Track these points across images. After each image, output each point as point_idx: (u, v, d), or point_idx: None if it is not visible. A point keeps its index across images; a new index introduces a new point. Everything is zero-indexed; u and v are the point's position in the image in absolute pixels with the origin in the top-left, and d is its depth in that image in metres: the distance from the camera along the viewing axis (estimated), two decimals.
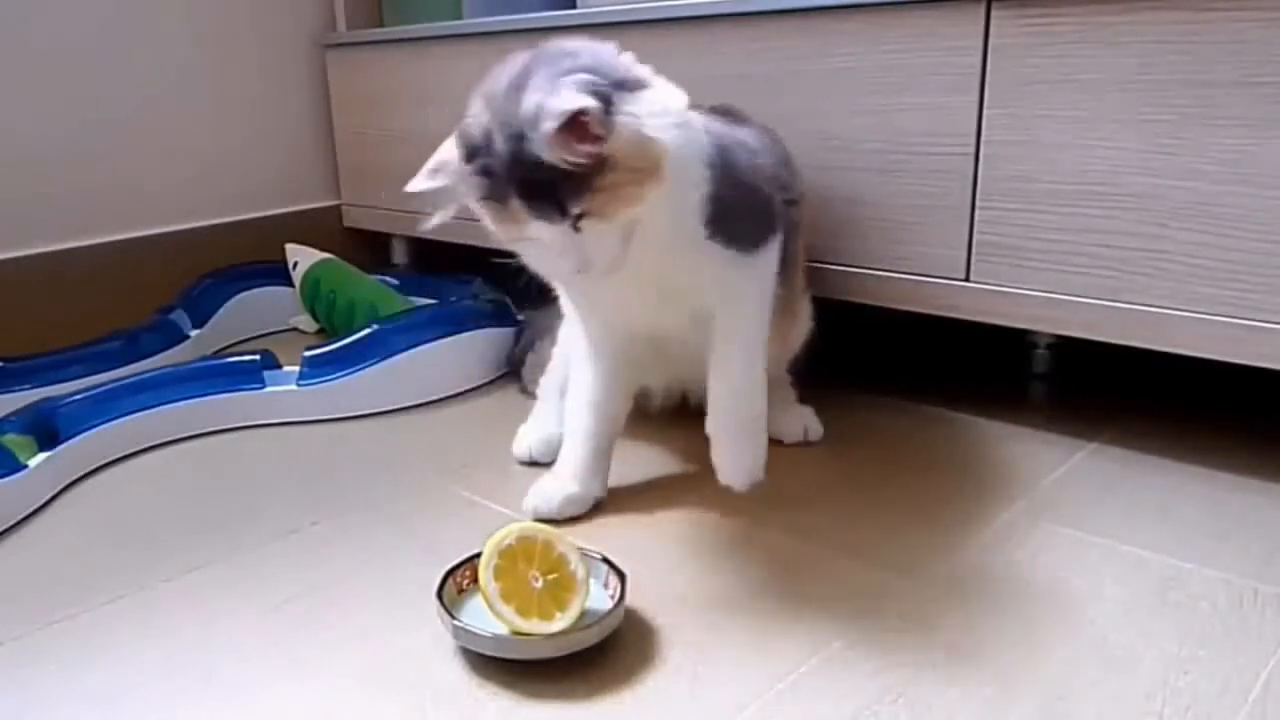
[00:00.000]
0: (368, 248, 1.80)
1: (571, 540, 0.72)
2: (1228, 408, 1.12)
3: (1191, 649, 0.69)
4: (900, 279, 1.09)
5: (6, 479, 0.93)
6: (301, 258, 1.52)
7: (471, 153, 0.75)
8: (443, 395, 1.23)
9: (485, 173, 0.74)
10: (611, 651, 0.70)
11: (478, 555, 0.71)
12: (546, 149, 0.69)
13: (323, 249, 1.55)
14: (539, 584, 0.69)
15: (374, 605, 0.77)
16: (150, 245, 1.55)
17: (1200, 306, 0.91)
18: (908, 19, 1.02)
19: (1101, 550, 0.82)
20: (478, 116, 0.75)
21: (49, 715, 0.66)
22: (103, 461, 1.06)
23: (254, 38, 1.64)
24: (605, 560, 0.76)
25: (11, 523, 0.93)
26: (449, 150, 0.78)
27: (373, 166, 1.70)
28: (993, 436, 1.06)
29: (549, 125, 0.68)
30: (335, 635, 0.74)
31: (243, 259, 1.58)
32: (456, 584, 0.75)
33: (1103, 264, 0.96)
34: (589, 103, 0.68)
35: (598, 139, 0.70)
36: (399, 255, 1.83)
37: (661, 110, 0.75)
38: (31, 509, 0.95)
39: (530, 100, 0.71)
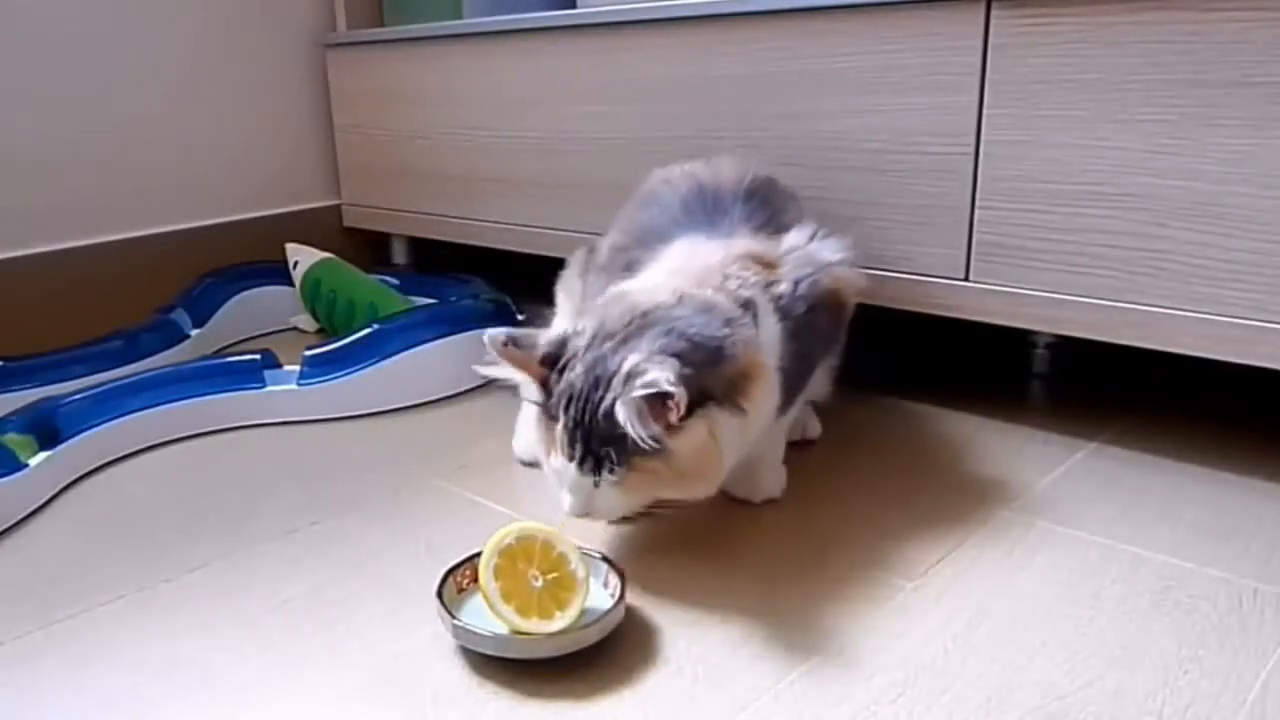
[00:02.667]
0: (368, 247, 1.80)
1: (571, 539, 0.72)
2: (1228, 408, 1.12)
3: (1191, 649, 0.69)
4: (900, 279, 1.09)
5: (7, 478, 0.93)
6: (302, 257, 1.52)
7: (553, 360, 0.77)
8: (443, 395, 1.23)
9: (550, 386, 0.76)
10: (611, 651, 0.70)
11: (478, 555, 0.71)
12: (623, 407, 0.70)
13: (323, 249, 1.55)
14: (539, 583, 0.69)
15: (374, 605, 0.77)
16: (150, 245, 1.55)
17: (1201, 306, 0.91)
18: (908, 19, 1.02)
19: (1101, 550, 0.82)
20: (579, 337, 0.77)
21: (49, 715, 0.66)
22: (103, 461, 1.06)
23: (254, 38, 1.64)
24: (605, 559, 0.76)
25: (11, 522, 0.93)
26: (541, 340, 0.79)
27: (373, 166, 1.70)
28: (992, 436, 1.06)
29: (637, 392, 0.70)
30: (335, 635, 0.74)
31: (243, 259, 1.58)
32: (456, 583, 0.75)
33: (1103, 264, 0.96)
34: (679, 392, 0.69)
35: (668, 426, 0.71)
36: (399, 255, 1.83)
37: (738, 427, 0.77)
38: (32, 508, 0.95)
39: (630, 360, 0.72)
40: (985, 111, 1.00)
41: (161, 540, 0.89)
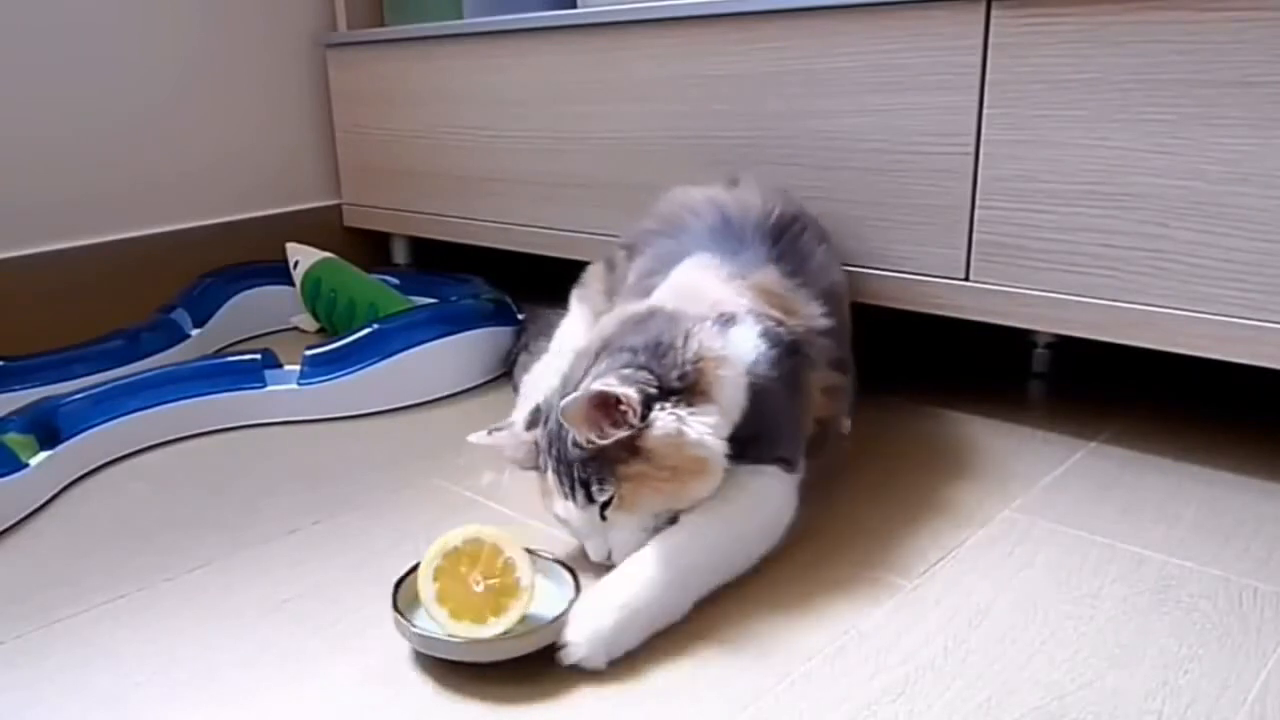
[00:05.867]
0: (368, 247, 1.80)
1: (524, 547, 0.71)
2: (1228, 408, 1.12)
3: (1191, 648, 0.69)
4: (900, 279, 1.09)
5: (7, 478, 0.93)
6: (302, 257, 1.52)
7: (533, 422, 0.81)
8: (443, 394, 1.23)
9: (535, 443, 0.80)
10: None
11: None
12: (568, 422, 0.73)
13: (323, 248, 1.55)
14: (479, 588, 0.68)
15: (374, 604, 0.77)
16: (150, 245, 1.55)
17: (1201, 306, 0.91)
18: (908, 18, 1.02)
19: (1101, 549, 0.82)
20: (552, 396, 0.81)
21: (49, 714, 0.66)
22: (103, 460, 1.06)
23: (254, 38, 1.64)
24: (560, 562, 0.75)
25: (12, 522, 0.93)
26: (516, 417, 0.84)
27: (373, 166, 1.70)
28: (992, 435, 1.06)
29: (571, 401, 0.72)
30: (335, 634, 0.74)
31: (243, 259, 1.58)
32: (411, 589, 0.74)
33: (1103, 264, 0.96)
34: (624, 391, 0.72)
35: (628, 424, 0.73)
36: (399, 255, 1.83)
37: (713, 424, 0.75)
38: (32, 508, 0.95)
39: (584, 386, 0.74)
40: (985, 111, 1.00)
41: (162, 539, 0.89)
